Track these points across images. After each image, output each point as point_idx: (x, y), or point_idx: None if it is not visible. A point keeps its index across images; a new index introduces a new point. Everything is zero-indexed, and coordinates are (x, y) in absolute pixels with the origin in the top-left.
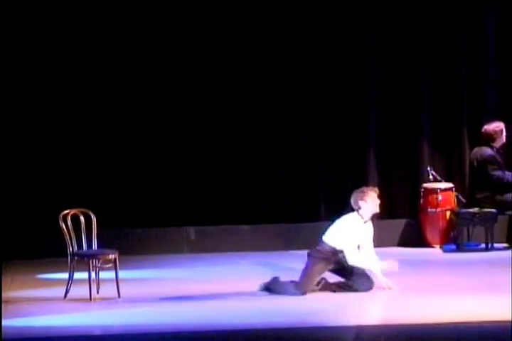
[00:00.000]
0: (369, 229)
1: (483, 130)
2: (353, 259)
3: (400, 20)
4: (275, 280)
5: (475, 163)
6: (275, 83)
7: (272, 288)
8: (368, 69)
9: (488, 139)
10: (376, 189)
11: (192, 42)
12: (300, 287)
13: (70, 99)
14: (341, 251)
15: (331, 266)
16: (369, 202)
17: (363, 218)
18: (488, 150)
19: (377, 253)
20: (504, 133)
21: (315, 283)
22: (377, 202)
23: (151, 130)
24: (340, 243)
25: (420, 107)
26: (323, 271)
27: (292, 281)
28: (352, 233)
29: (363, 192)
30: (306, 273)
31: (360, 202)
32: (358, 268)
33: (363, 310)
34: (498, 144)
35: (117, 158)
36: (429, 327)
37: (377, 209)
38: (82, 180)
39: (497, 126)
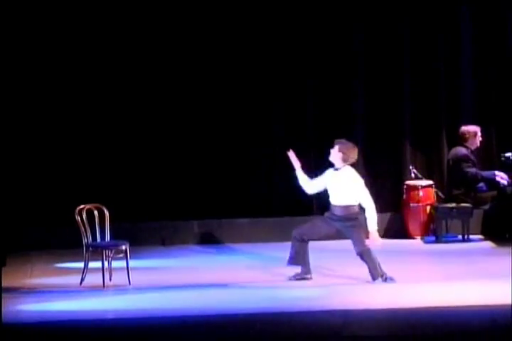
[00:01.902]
0: (339, 177)
1: (459, 131)
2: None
3: (381, 27)
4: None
5: (451, 162)
6: (268, 81)
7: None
8: (355, 78)
9: (463, 139)
10: (343, 141)
11: (186, 41)
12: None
13: (84, 97)
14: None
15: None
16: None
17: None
18: (462, 150)
19: None
20: (478, 137)
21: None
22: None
23: (160, 132)
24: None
25: (402, 111)
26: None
27: None
28: (324, 178)
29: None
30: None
31: (331, 150)
32: None
33: (350, 296)
34: (472, 146)
35: (129, 159)
36: (412, 311)
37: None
38: (97, 178)
39: (472, 128)
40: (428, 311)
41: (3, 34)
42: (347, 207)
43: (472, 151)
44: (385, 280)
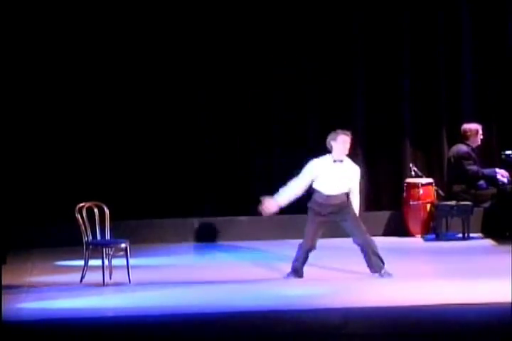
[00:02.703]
0: (342, 168)
1: (461, 128)
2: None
3: (381, 25)
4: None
5: (452, 160)
6: (268, 81)
7: (295, 268)
8: (355, 76)
9: (464, 137)
10: (348, 133)
11: (183, 36)
12: (303, 243)
13: (84, 95)
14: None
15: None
16: (339, 142)
17: (333, 157)
18: (464, 148)
19: None
20: (480, 135)
21: (314, 236)
22: (347, 145)
23: (160, 129)
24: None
25: (403, 109)
26: (317, 224)
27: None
28: (320, 170)
29: (336, 133)
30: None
31: (332, 142)
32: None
33: (350, 293)
34: (473, 143)
35: (129, 157)
36: (412, 308)
37: (346, 152)
38: (97, 176)
39: (474, 126)
40: (428, 309)
41: (3, 34)
42: (345, 195)
43: (473, 149)
44: (383, 275)
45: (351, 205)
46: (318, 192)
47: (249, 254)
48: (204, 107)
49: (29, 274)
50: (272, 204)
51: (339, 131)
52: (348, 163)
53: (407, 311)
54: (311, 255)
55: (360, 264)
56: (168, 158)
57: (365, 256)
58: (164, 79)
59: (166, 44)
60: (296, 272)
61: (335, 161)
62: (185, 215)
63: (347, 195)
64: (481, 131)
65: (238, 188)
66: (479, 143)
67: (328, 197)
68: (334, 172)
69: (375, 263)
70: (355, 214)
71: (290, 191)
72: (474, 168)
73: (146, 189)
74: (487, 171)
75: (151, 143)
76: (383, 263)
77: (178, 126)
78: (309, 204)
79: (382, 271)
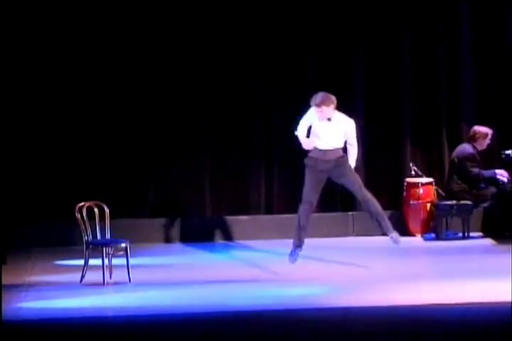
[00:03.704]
0: (331, 124)
1: (471, 129)
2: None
3: (381, 24)
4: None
5: (456, 160)
6: (268, 82)
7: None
8: (355, 76)
9: (472, 138)
10: (319, 102)
11: (181, 37)
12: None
13: (83, 94)
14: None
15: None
16: (313, 110)
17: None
18: (469, 149)
19: (365, 242)
20: (488, 140)
21: (313, 193)
22: (319, 113)
23: (159, 129)
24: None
25: (403, 108)
26: (314, 181)
27: None
28: (313, 119)
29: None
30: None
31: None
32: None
33: (349, 293)
34: (479, 146)
35: (129, 157)
36: (412, 308)
37: (322, 118)
38: (97, 175)
39: (484, 130)
40: (428, 308)
41: (3, 34)
42: (340, 150)
43: (478, 151)
44: (392, 237)
45: (348, 161)
46: (314, 148)
47: (248, 254)
48: (204, 107)
49: (29, 274)
50: (307, 141)
51: (313, 99)
52: (339, 118)
53: (407, 311)
54: (311, 254)
55: (360, 264)
56: (168, 157)
57: (369, 214)
58: (164, 79)
59: (166, 43)
60: (299, 243)
61: (329, 119)
62: (185, 214)
63: (344, 150)
64: (490, 136)
65: (238, 188)
66: (485, 147)
67: (322, 152)
68: (325, 128)
69: (382, 223)
70: (352, 171)
71: (304, 130)
72: (476, 170)
73: (146, 188)
74: (487, 173)
75: (151, 142)
76: (391, 227)
77: (178, 126)
78: (305, 161)
79: (391, 234)
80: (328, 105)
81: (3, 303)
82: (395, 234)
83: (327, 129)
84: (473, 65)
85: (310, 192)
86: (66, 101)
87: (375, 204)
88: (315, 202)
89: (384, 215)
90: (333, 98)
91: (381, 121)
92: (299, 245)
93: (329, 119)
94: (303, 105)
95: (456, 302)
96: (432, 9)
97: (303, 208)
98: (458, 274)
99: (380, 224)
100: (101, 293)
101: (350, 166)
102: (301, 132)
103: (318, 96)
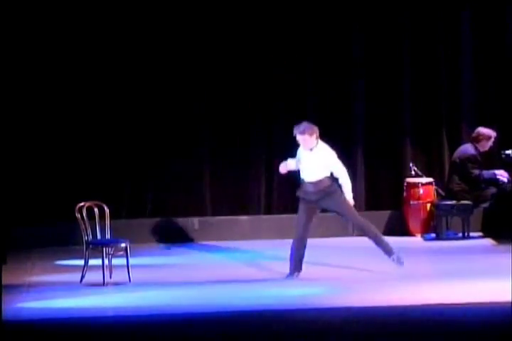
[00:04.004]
0: (313, 156)
1: (475, 130)
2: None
3: (381, 26)
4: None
5: (457, 160)
6: (268, 82)
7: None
8: (355, 77)
9: (475, 140)
10: (303, 130)
11: (182, 38)
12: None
13: (83, 94)
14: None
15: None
16: (297, 139)
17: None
18: (472, 150)
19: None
20: (491, 142)
21: (305, 225)
22: (302, 142)
23: (160, 129)
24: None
25: (403, 108)
26: (306, 212)
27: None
28: (300, 155)
29: (295, 130)
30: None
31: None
32: None
33: (350, 293)
34: (482, 148)
35: (130, 157)
36: (412, 308)
37: (305, 147)
38: (97, 175)
39: (488, 132)
40: (428, 309)
41: (3, 34)
42: (328, 180)
43: (480, 153)
44: (393, 259)
45: (339, 191)
46: (301, 179)
47: (249, 254)
48: (204, 107)
49: (29, 274)
50: (283, 166)
51: (296, 128)
52: (319, 149)
53: (407, 311)
54: (311, 254)
55: (360, 264)
56: (168, 157)
57: (369, 239)
58: (164, 80)
59: (166, 44)
60: (295, 269)
61: (311, 149)
62: (185, 214)
63: (332, 180)
64: (493, 139)
65: (238, 188)
66: (487, 149)
67: (309, 183)
68: (307, 160)
69: (382, 246)
70: (343, 200)
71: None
72: (477, 172)
73: (146, 188)
74: (487, 175)
75: (151, 142)
76: (391, 248)
77: (178, 126)
78: (297, 193)
79: (392, 256)
80: (310, 134)
81: (3, 303)
82: (396, 256)
83: (309, 160)
84: (473, 65)
85: (301, 227)
86: (66, 101)
87: (371, 230)
88: (307, 237)
89: (382, 238)
90: (316, 128)
91: (381, 121)
92: (296, 270)
93: (311, 149)
94: (303, 105)
95: (456, 302)
96: (432, 9)
97: (295, 244)
98: (458, 274)
99: (380, 248)
100: (101, 293)
101: (340, 195)
102: (289, 160)
103: (302, 125)
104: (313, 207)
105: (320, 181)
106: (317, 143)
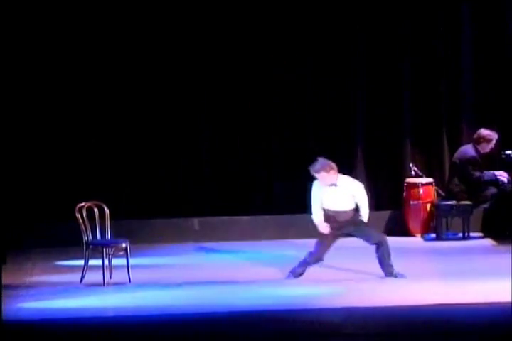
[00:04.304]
0: (339, 189)
1: (477, 132)
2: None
3: (381, 26)
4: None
5: (457, 161)
6: (268, 83)
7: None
8: (355, 77)
9: (476, 141)
10: (326, 167)
11: (183, 38)
12: (314, 252)
13: (84, 94)
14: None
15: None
16: (317, 176)
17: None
18: (472, 152)
19: (364, 242)
20: (492, 144)
21: (326, 248)
22: (324, 179)
23: (161, 129)
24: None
25: (403, 109)
26: (329, 238)
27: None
28: (321, 191)
29: (314, 168)
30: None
31: (313, 174)
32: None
33: (350, 293)
34: (483, 150)
35: (130, 157)
36: (413, 308)
37: (325, 184)
38: (97, 175)
39: (489, 134)
40: (428, 309)
41: (3, 34)
42: (353, 211)
43: (480, 154)
44: (396, 276)
45: (360, 218)
46: (326, 209)
47: (249, 254)
48: (204, 107)
49: (29, 274)
50: (322, 226)
51: (312, 167)
52: (345, 182)
53: (407, 311)
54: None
55: (360, 264)
56: (168, 158)
57: (378, 257)
58: (165, 80)
59: (166, 44)
60: (298, 274)
61: (334, 185)
62: (185, 215)
63: (356, 210)
64: (494, 141)
65: (238, 189)
66: (488, 151)
67: (335, 212)
68: (331, 193)
69: (386, 266)
70: (364, 225)
71: (318, 212)
72: (477, 174)
73: (146, 188)
74: (487, 176)
75: (151, 143)
76: (392, 271)
77: (178, 126)
78: (324, 221)
79: (394, 272)
80: (327, 171)
81: (3, 303)
82: (393, 275)
83: (335, 195)
84: (473, 65)
85: (322, 249)
86: (66, 102)
87: (384, 249)
88: (324, 257)
89: (389, 261)
90: (332, 164)
91: (381, 121)
92: (298, 275)
93: (335, 185)
94: (303, 105)
95: (456, 302)
96: (432, 9)
97: (311, 260)
98: (458, 274)
99: (383, 265)
100: (101, 293)
101: (362, 221)
102: (316, 217)
103: (317, 163)
104: (336, 235)
105: (347, 211)
106: (337, 177)
